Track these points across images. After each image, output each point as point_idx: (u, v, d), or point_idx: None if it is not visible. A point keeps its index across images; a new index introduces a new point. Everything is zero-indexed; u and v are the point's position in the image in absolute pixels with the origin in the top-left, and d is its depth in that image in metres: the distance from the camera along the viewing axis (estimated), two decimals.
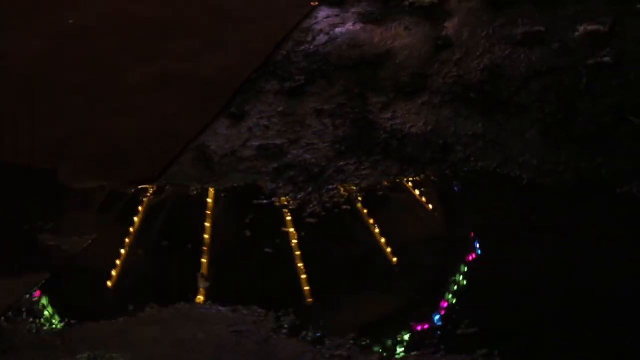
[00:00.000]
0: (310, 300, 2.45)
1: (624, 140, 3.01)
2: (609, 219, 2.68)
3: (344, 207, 2.77)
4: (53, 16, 4.08)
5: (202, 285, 2.49)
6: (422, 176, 2.92)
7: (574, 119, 3.16)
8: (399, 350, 2.27)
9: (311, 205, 2.76)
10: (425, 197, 2.88)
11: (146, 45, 3.82)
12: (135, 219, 2.78)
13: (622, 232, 2.62)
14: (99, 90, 3.46)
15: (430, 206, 2.86)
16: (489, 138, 3.08)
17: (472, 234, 2.69)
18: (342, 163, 2.96)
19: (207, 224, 2.75)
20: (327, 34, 3.87)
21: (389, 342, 2.30)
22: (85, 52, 3.76)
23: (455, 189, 2.90)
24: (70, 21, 4.03)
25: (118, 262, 2.60)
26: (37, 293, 2.46)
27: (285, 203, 2.79)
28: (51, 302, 2.45)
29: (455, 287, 2.48)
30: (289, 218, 2.73)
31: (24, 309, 2.41)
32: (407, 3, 4.14)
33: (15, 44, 3.85)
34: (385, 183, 2.89)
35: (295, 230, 2.68)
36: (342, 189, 2.85)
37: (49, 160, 3.01)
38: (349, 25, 3.95)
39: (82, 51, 3.77)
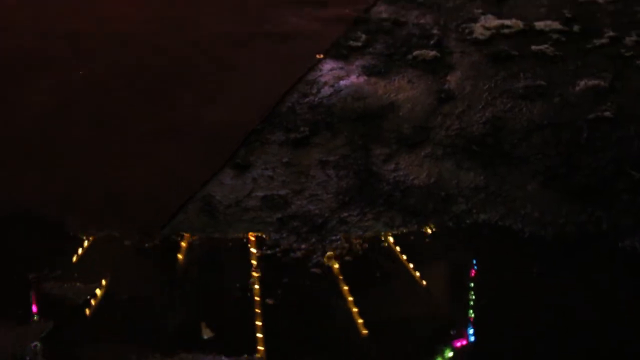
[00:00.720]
0: (315, 352, 2.45)
1: (625, 194, 3.04)
2: (611, 272, 2.69)
3: (347, 258, 2.79)
4: (62, 69, 4.16)
5: (206, 335, 2.50)
6: (424, 228, 2.94)
7: (574, 172, 3.19)
8: None
9: (315, 256, 2.78)
10: (427, 249, 2.89)
11: (154, 96, 3.88)
12: (140, 268, 2.80)
13: (624, 286, 2.63)
14: (106, 141, 3.50)
15: (432, 258, 2.87)
16: (491, 190, 3.11)
17: (474, 287, 2.70)
18: (345, 214, 2.99)
19: (211, 273, 2.77)
20: (332, 86, 3.93)
21: None
22: (94, 104, 3.82)
23: (457, 240, 2.92)
24: (80, 72, 4.10)
25: (122, 311, 2.61)
26: (41, 342, 2.46)
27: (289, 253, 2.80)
28: (55, 352, 2.46)
29: (454, 340, 2.48)
30: (292, 268, 2.75)
31: (28, 359, 2.41)
32: (410, 57, 4.22)
33: (25, 97, 3.91)
34: (388, 234, 2.92)
35: (299, 281, 2.69)
36: (345, 240, 2.87)
37: (57, 210, 3.04)
38: (353, 78, 4.01)
39: (90, 103, 3.83)
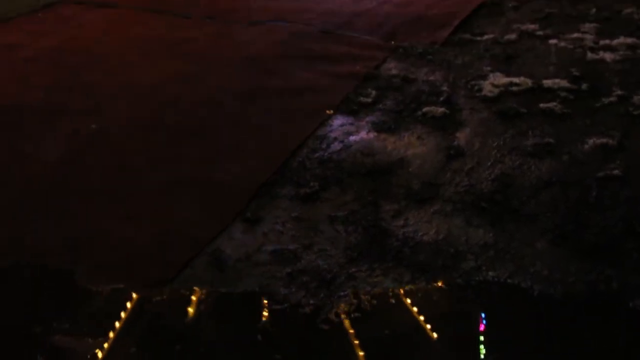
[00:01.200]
0: None
1: (635, 253, 3.04)
2: (621, 331, 2.67)
3: (356, 314, 2.78)
4: (76, 121, 4.22)
5: None
6: (433, 284, 2.94)
7: (584, 231, 3.19)
8: None
9: (323, 311, 2.77)
10: (436, 305, 2.88)
11: (165, 149, 3.92)
12: (149, 321, 2.80)
13: (634, 345, 2.61)
14: (117, 193, 3.52)
15: (441, 314, 2.86)
16: (500, 247, 3.11)
17: (483, 344, 2.68)
18: (354, 269, 2.99)
19: (219, 327, 2.76)
20: (342, 141, 3.97)
21: None
22: (105, 156, 3.86)
23: (466, 297, 2.91)
24: (93, 126, 4.16)
25: None
26: None
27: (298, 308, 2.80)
28: None
29: None
30: (301, 323, 2.74)
31: None
32: (419, 113, 4.26)
33: (37, 147, 3.95)
34: (397, 290, 2.91)
35: (308, 336, 2.68)
36: (353, 296, 2.86)
37: (66, 261, 3.05)
38: (363, 134, 4.05)
39: (102, 155, 3.87)
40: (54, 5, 6.30)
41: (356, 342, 2.68)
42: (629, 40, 5.05)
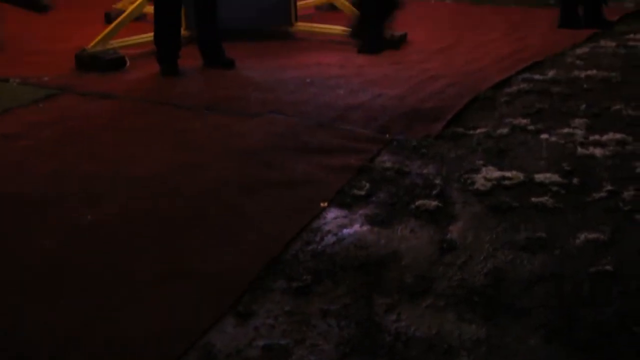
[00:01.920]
0: None
1: (628, 349, 3.03)
2: None
3: None
4: (72, 211, 4.26)
5: None
6: None
7: (577, 326, 3.19)
8: None
9: None
10: None
11: (161, 240, 3.95)
12: None
13: None
14: (111, 283, 3.53)
15: None
16: (493, 342, 3.10)
17: None
18: None
19: None
20: (335, 234, 4.00)
21: None
22: (98, 247, 3.89)
23: None
24: (89, 217, 4.19)
25: None
26: None
27: None
28: None
29: None
30: None
31: None
32: (412, 206, 4.31)
33: (32, 237, 3.98)
34: None
35: None
36: None
37: (57, 350, 3.03)
38: (356, 227, 4.09)
39: (95, 246, 3.90)
40: (56, 96, 6.43)
41: None
42: (618, 136, 5.15)
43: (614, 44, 7.63)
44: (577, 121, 5.48)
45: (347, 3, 8.34)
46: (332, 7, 9.00)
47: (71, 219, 4.17)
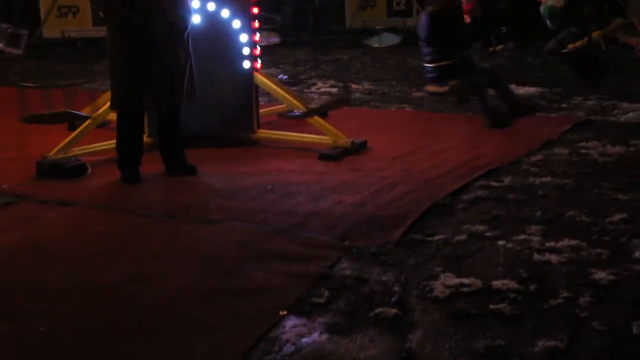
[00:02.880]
0: None
1: None
2: None
3: None
4: (24, 324, 4.17)
5: None
6: None
7: None
8: None
9: None
10: None
11: (116, 352, 3.88)
12: None
13: None
14: None
15: None
16: None
17: None
18: None
19: None
20: (294, 344, 3.97)
21: None
22: (54, 358, 3.80)
23: None
24: (42, 329, 4.11)
25: None
26: None
27: None
28: None
29: None
30: None
31: None
32: (372, 314, 4.30)
33: None
34: None
35: None
36: None
37: None
38: (315, 336, 4.06)
39: (50, 357, 3.81)
40: (15, 204, 6.40)
41: None
42: (573, 242, 5.25)
43: (567, 151, 7.86)
44: (533, 227, 5.58)
45: (319, 120, 8.49)
46: (296, 115, 9.16)
47: (23, 331, 4.08)
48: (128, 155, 7.13)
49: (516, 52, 15.11)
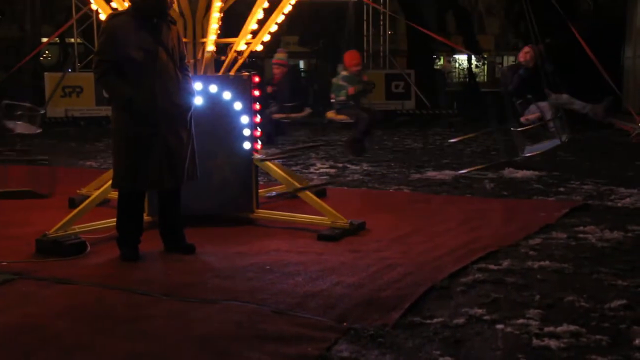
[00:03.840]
0: None
1: None
2: None
3: None
4: None
5: None
6: None
7: None
8: None
9: None
10: None
11: None
12: None
13: None
14: None
15: None
16: None
17: None
18: None
19: None
20: None
21: None
22: None
23: None
24: None
25: None
26: None
27: None
28: None
29: None
30: None
31: None
32: None
33: None
34: None
35: None
36: None
37: None
38: None
39: None
40: (13, 281, 6.40)
41: None
42: (572, 327, 5.23)
43: (565, 235, 7.89)
44: (532, 312, 5.56)
45: (311, 195, 8.57)
46: (292, 195, 9.25)
47: None
48: (128, 234, 7.16)
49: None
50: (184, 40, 7.47)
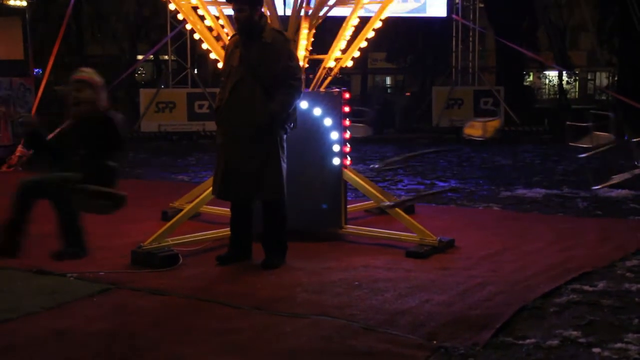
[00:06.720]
0: None
1: None
2: None
3: None
4: None
5: None
6: None
7: None
8: None
9: None
10: None
11: None
12: None
13: None
14: None
15: None
16: None
17: None
18: None
19: None
20: None
21: None
22: None
23: None
24: None
25: None
26: None
27: None
28: None
29: None
30: None
31: None
32: None
33: None
34: None
35: None
36: None
37: None
38: None
39: None
40: (109, 291, 6.58)
41: None
42: None
43: None
44: (631, 336, 5.36)
45: (400, 211, 8.53)
46: (381, 211, 9.22)
47: None
48: (230, 240, 7.60)
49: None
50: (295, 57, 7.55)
